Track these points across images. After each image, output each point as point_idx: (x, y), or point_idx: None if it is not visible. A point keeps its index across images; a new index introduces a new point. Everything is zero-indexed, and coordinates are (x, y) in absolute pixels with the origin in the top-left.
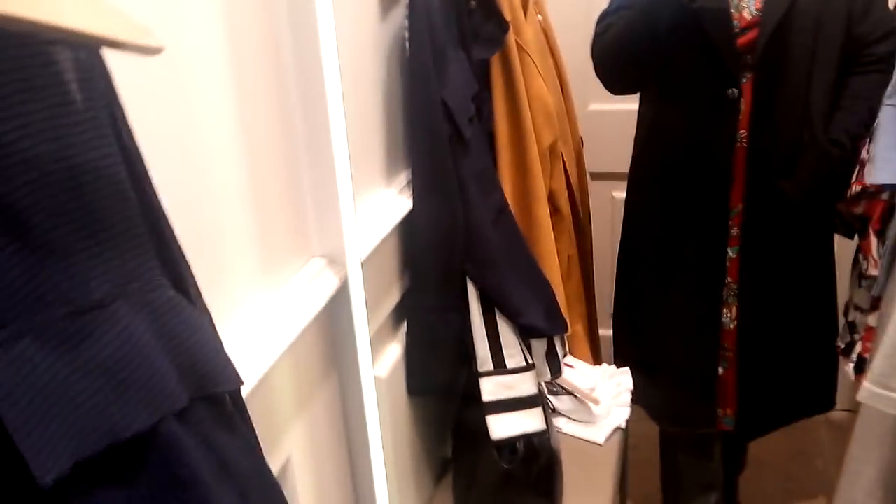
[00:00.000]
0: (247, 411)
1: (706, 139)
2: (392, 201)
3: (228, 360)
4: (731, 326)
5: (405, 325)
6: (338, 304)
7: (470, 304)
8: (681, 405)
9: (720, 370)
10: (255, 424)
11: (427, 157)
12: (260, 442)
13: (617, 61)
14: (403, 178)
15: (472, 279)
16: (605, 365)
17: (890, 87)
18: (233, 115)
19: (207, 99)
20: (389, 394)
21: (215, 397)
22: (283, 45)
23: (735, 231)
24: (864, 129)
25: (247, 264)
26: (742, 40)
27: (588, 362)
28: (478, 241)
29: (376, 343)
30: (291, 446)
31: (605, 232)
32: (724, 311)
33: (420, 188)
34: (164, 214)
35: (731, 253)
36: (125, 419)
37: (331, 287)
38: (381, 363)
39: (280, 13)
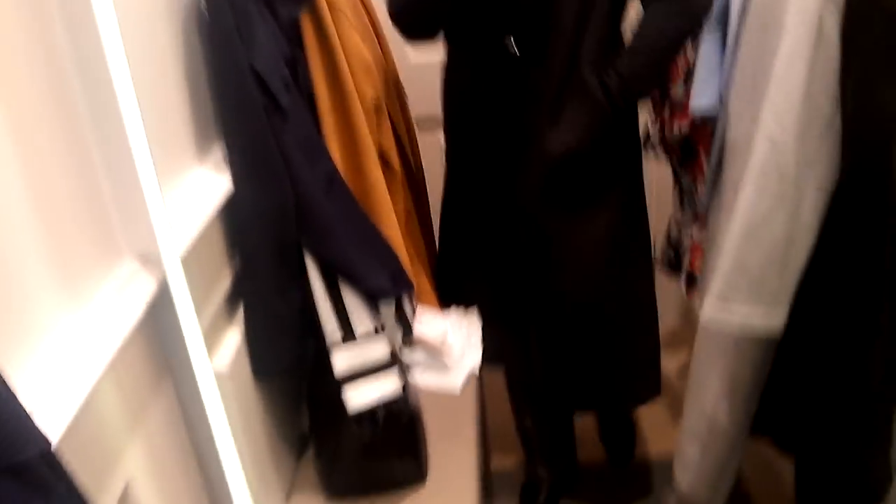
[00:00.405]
0: (60, 465)
1: (488, 89)
2: (208, 181)
3: (27, 420)
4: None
5: (240, 309)
6: (160, 307)
7: (310, 278)
8: (496, 343)
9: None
10: (83, 458)
11: (242, 130)
12: (87, 483)
13: (410, 8)
14: (218, 152)
15: (310, 252)
16: (452, 308)
17: (711, 23)
18: None
19: None
20: (233, 383)
21: (19, 466)
22: (51, 24)
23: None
24: (644, 67)
25: (42, 286)
26: None
27: (436, 311)
28: (311, 213)
29: (212, 334)
30: (131, 469)
31: (439, 181)
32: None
33: (239, 165)
34: None
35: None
36: None
37: (148, 290)
38: (219, 355)
39: None
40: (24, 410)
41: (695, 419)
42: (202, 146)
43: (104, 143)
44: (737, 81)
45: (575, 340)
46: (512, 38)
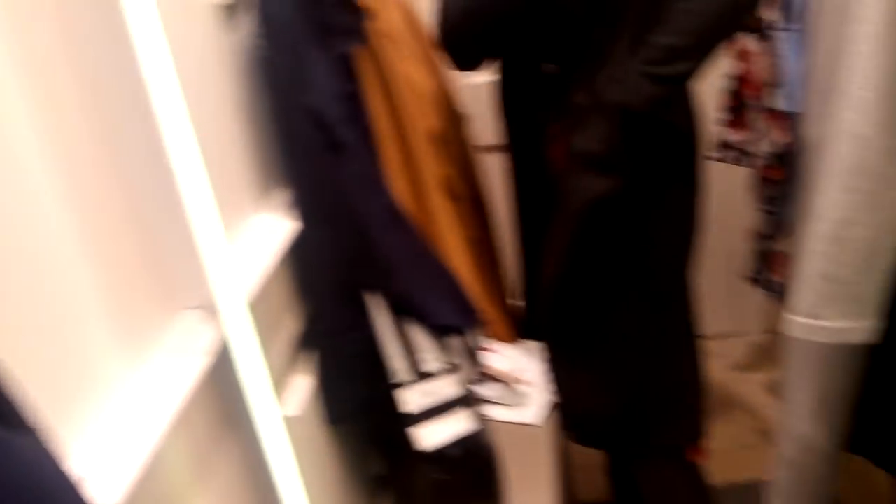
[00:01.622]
0: None
1: (531, 109)
2: (272, 226)
3: (72, 491)
4: None
5: (309, 353)
6: (225, 358)
7: (376, 316)
8: None
9: None
10: None
11: (303, 171)
12: None
13: (456, 37)
14: (281, 197)
15: (373, 291)
16: (527, 342)
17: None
18: (51, 166)
19: (13, 153)
20: (304, 429)
21: None
22: (105, 72)
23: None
24: (684, 36)
25: (102, 345)
26: None
27: (508, 343)
28: (373, 249)
29: (282, 380)
30: None
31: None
32: None
33: (301, 206)
34: None
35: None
36: None
37: (211, 341)
38: (289, 401)
39: (99, 38)
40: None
41: (786, 440)
42: (264, 190)
43: (162, 194)
44: (813, 77)
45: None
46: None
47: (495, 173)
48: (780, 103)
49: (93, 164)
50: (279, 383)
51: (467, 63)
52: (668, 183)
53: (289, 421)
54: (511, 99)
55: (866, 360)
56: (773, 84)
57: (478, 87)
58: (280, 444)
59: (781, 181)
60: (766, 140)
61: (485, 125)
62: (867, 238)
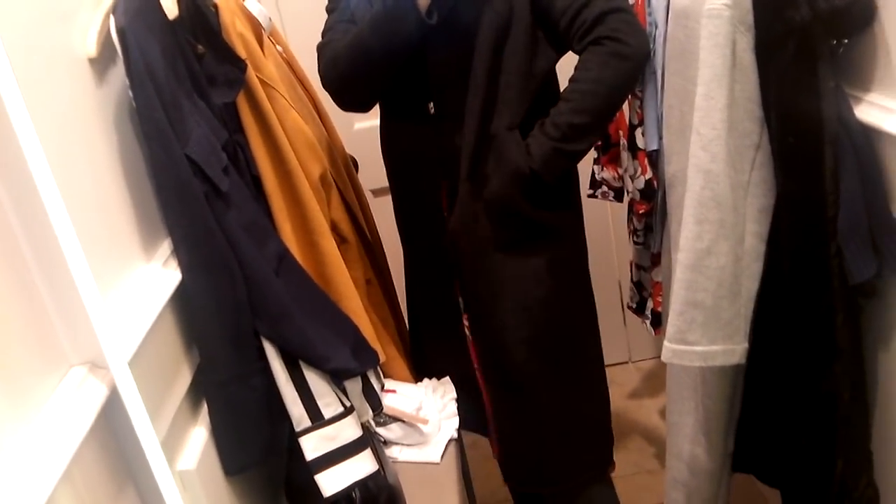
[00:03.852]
0: None
1: (417, 150)
2: (157, 277)
3: None
4: (470, 338)
5: (204, 404)
6: (113, 411)
7: (271, 363)
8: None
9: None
10: None
11: (185, 220)
12: None
13: (345, 80)
14: (166, 247)
15: (267, 337)
16: (425, 380)
17: (652, 64)
18: None
19: None
20: (203, 482)
21: None
22: None
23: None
24: (579, 118)
25: None
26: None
27: (408, 381)
28: (264, 296)
29: (176, 433)
30: None
31: (398, 245)
32: (465, 320)
33: (185, 256)
34: None
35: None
36: None
37: (99, 396)
38: (186, 454)
39: None
40: None
41: (675, 463)
42: (149, 242)
43: (39, 255)
44: (667, 116)
45: (517, 403)
46: (432, 102)
47: (385, 215)
48: (640, 142)
49: None
50: (177, 433)
51: (354, 104)
52: (562, 218)
53: (185, 475)
54: (395, 140)
55: (740, 380)
56: (633, 123)
57: (366, 131)
58: (172, 498)
59: (646, 215)
60: (632, 177)
61: (373, 169)
62: (724, 265)
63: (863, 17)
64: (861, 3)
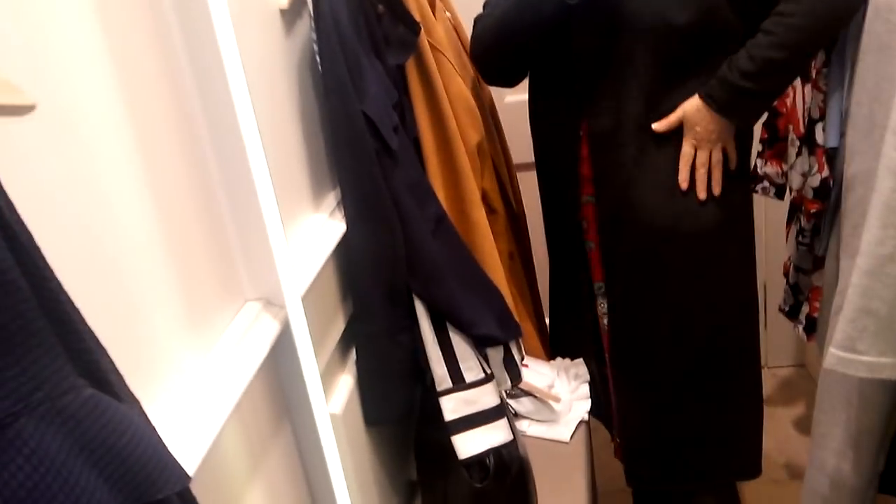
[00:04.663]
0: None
1: (560, 131)
2: (324, 227)
3: (169, 457)
4: (607, 328)
5: (353, 353)
6: (281, 349)
7: (420, 322)
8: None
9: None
10: (208, 501)
11: (355, 174)
12: None
13: (490, 54)
14: (332, 199)
15: (418, 296)
16: (558, 359)
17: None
18: (133, 163)
19: (101, 151)
20: (346, 428)
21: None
22: (182, 77)
23: (585, 225)
24: (780, 50)
25: (172, 328)
26: None
27: (541, 359)
28: (420, 256)
29: (326, 379)
30: None
31: (540, 222)
32: (599, 308)
33: (352, 208)
34: (64, 296)
35: (591, 245)
36: None
37: (271, 332)
38: (333, 399)
39: (175, 43)
40: (165, 446)
41: (817, 475)
42: (318, 192)
43: (231, 190)
44: (853, 114)
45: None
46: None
47: (532, 190)
48: (820, 138)
49: (169, 159)
50: (328, 379)
51: (498, 78)
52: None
53: (332, 418)
54: (541, 116)
55: None
56: (813, 118)
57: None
58: (327, 438)
59: (817, 215)
60: (801, 174)
61: (522, 143)
62: None
63: None
64: None
